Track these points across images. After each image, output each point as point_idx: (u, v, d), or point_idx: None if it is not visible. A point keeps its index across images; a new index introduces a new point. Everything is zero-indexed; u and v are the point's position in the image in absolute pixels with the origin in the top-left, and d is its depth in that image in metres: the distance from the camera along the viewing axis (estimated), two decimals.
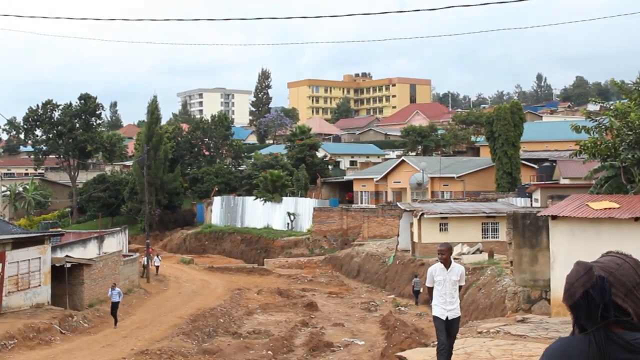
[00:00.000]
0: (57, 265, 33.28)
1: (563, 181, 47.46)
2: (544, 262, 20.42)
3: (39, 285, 32.01)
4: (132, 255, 44.55)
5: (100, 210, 76.82)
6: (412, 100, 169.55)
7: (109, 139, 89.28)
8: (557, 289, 18.15)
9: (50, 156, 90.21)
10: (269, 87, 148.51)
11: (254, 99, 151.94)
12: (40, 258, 32.11)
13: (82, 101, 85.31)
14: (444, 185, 62.72)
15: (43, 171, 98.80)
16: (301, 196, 71.51)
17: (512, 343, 14.89)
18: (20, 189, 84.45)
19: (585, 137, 23.83)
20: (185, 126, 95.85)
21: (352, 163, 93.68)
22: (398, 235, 47.94)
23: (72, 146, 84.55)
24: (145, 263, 47.00)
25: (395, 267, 44.79)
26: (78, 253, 38.76)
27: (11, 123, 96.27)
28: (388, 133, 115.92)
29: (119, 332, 30.05)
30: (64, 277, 33.33)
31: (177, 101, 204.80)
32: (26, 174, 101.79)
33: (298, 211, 67.91)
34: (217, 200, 76.53)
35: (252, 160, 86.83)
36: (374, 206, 65.18)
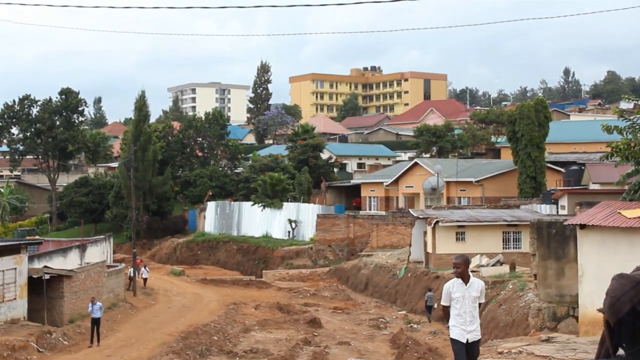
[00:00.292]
0: (34, 276, 33.31)
1: (592, 186, 47.48)
2: (571, 275, 20.39)
3: (14, 298, 32.04)
4: (117, 266, 44.59)
5: (82, 216, 76.98)
6: (426, 96, 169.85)
7: (92, 138, 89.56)
8: (586, 305, 18.11)
9: (28, 157, 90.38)
10: (268, 81, 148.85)
11: (252, 95, 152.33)
12: (15, 269, 32.16)
13: (63, 96, 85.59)
14: (460, 190, 62.74)
15: (19, 173, 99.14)
16: (304, 202, 71.58)
17: None
18: None
19: (617, 138, 23.85)
20: (176, 124, 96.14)
21: (360, 165, 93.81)
22: (410, 245, 47.98)
23: (51, 146, 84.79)
24: (132, 275, 47.10)
25: (406, 280, 44.77)
26: (58, 263, 38.82)
27: None
28: (399, 133, 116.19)
29: (103, 351, 30.06)
30: (42, 289, 33.34)
31: (167, 97, 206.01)
32: (1, 176, 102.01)
33: (300, 218, 67.97)
34: (211, 205, 76.61)
35: (250, 162, 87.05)
36: (383, 213, 65.22)
